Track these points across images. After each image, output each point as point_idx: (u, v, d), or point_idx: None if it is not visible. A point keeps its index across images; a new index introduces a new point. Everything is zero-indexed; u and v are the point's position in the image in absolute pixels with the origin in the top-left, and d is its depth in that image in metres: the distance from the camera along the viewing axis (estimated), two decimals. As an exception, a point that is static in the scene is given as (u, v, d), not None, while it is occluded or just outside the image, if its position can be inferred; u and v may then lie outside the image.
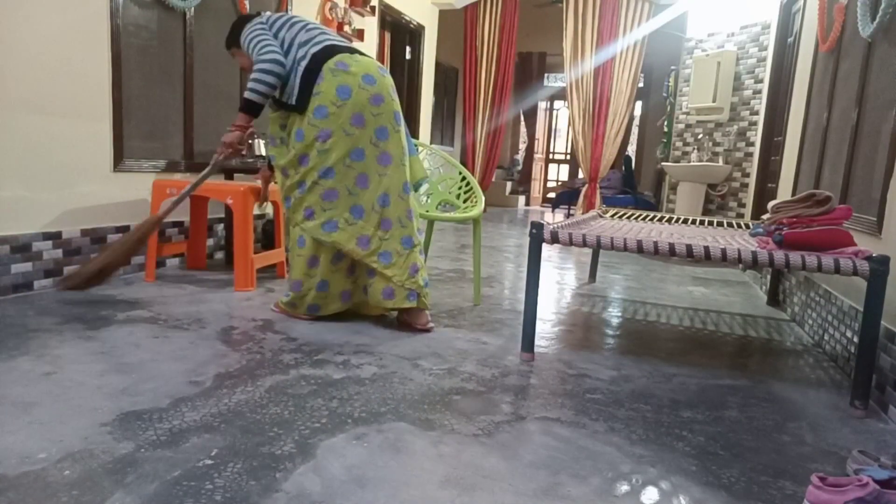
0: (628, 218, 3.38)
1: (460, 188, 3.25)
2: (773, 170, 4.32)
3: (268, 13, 2.53)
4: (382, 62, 6.14)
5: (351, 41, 5.11)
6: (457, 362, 2.13)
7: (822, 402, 1.99)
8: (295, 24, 2.45)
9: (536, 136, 11.51)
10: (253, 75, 2.32)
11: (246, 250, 3.01)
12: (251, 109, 2.40)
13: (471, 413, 1.71)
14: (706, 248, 1.94)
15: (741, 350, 2.56)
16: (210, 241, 3.76)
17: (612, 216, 3.42)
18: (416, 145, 2.67)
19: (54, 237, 2.78)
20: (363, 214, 2.40)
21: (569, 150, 11.85)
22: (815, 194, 2.02)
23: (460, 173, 3.27)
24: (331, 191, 2.37)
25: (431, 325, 2.51)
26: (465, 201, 3.22)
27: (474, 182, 3.22)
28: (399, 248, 2.43)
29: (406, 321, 2.51)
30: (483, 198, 3.13)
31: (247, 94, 2.35)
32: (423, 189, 3.14)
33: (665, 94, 6.72)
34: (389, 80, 2.45)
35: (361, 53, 2.46)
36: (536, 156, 11.59)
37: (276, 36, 2.41)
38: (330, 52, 2.36)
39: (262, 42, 2.34)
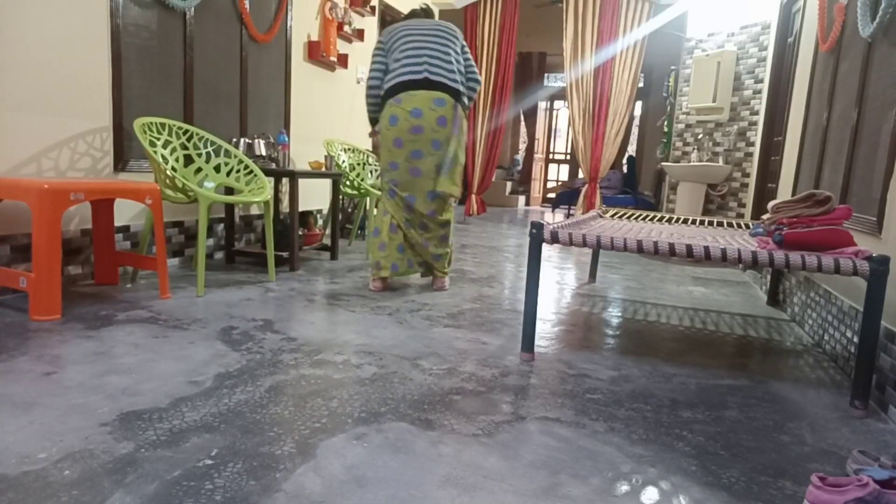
0: (628, 218, 3.38)
1: (238, 171, 3.39)
2: (773, 170, 4.33)
3: (395, 26, 3.09)
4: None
5: (351, 41, 5.12)
6: (457, 362, 2.13)
7: (822, 402, 1.99)
8: (398, 43, 3.03)
9: (536, 136, 11.51)
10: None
11: (50, 267, 2.32)
12: (371, 123, 3.27)
13: (471, 413, 1.71)
14: (706, 248, 1.94)
15: (741, 350, 2.56)
16: (210, 241, 3.76)
17: (612, 216, 3.42)
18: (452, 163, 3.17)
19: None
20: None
21: (569, 150, 11.85)
22: (815, 194, 2.02)
23: (238, 159, 3.41)
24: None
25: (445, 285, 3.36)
26: (247, 184, 3.38)
27: (257, 169, 3.37)
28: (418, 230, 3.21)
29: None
30: (268, 184, 3.27)
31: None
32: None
33: (665, 94, 6.72)
34: (437, 114, 2.99)
35: (434, 83, 2.97)
36: (536, 156, 11.60)
37: (387, 50, 3.07)
38: (396, 89, 2.98)
39: (371, 63, 3.13)
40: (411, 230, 3.17)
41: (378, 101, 3.12)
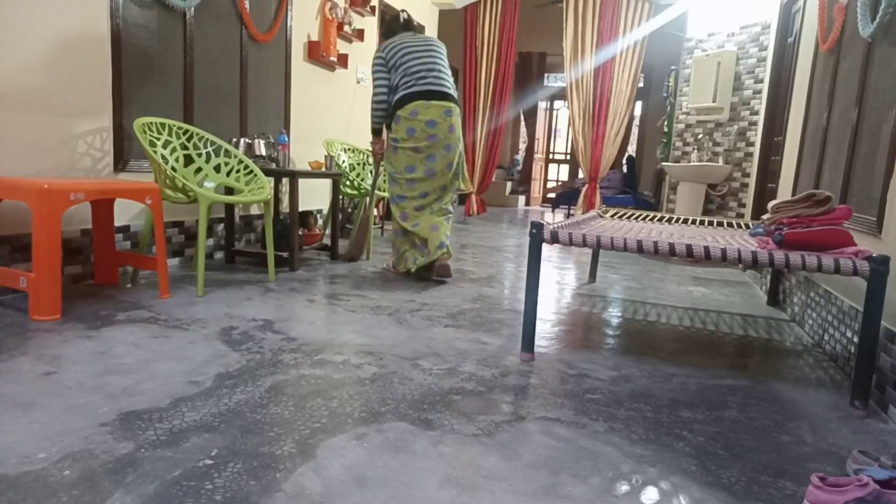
0: (628, 218, 3.38)
1: (238, 171, 3.39)
2: (773, 170, 4.32)
3: (392, 41, 3.42)
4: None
5: (351, 41, 5.12)
6: (457, 362, 2.13)
7: (822, 402, 1.99)
8: (403, 59, 3.36)
9: (536, 136, 11.51)
10: (371, 109, 3.51)
11: (50, 267, 2.32)
12: (373, 133, 3.63)
13: (471, 413, 1.71)
14: (706, 248, 1.94)
15: (741, 350, 2.56)
16: (210, 241, 3.76)
17: (612, 216, 3.42)
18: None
19: (54, 237, 2.78)
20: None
21: (569, 150, 11.86)
22: (815, 194, 2.01)
23: (238, 159, 3.40)
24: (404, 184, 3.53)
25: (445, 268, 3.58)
26: (247, 184, 3.35)
27: (257, 169, 3.37)
28: (426, 214, 3.53)
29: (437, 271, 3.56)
30: (268, 184, 3.26)
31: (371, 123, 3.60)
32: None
33: (665, 94, 6.72)
34: (448, 123, 3.40)
35: (442, 94, 3.37)
36: (536, 156, 11.60)
37: (389, 67, 3.38)
38: (409, 99, 3.34)
39: (376, 78, 3.44)
40: (423, 214, 3.51)
41: (384, 114, 3.47)
